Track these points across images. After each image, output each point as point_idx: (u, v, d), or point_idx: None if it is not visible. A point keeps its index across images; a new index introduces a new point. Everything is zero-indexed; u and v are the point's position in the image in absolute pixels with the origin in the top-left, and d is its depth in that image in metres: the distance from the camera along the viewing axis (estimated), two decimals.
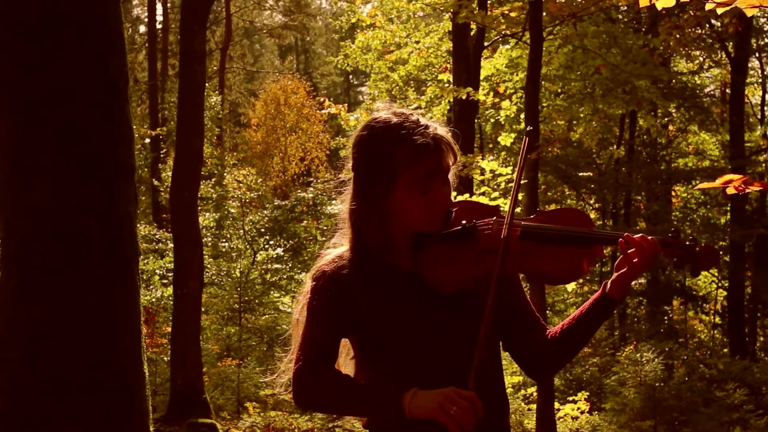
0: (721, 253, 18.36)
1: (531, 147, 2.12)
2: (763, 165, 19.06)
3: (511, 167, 11.87)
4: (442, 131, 2.13)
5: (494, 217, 2.15)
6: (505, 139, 12.55)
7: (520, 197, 12.06)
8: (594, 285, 17.33)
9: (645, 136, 19.57)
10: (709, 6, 2.57)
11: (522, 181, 11.29)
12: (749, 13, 2.55)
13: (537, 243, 2.11)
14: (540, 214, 2.18)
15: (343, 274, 2.12)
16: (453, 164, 2.14)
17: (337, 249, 2.21)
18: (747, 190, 2.76)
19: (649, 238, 2.12)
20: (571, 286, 10.80)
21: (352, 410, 2.08)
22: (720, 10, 2.54)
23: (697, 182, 18.85)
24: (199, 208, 12.18)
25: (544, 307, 8.89)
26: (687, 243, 2.13)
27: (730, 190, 2.78)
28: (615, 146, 18.42)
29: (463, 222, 2.13)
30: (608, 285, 2.16)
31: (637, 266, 2.11)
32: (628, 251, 2.11)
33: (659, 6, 2.67)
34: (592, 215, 20.39)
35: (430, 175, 2.08)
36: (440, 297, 2.09)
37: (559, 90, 13.93)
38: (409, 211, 2.09)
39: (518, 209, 12.61)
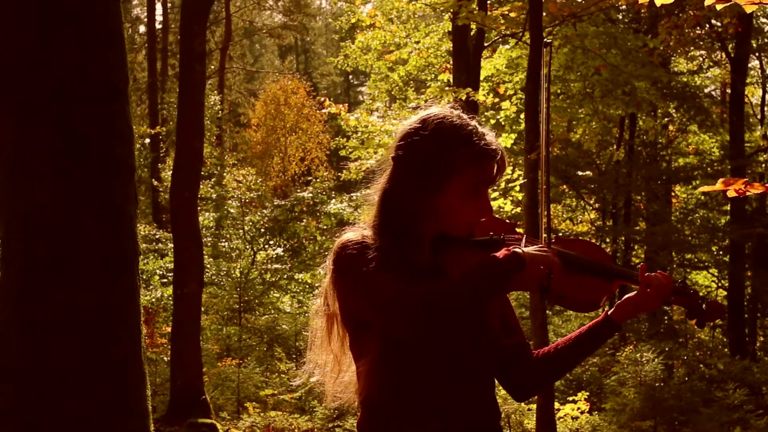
0: (724, 255, 18.37)
1: (549, 60, 2.10)
2: (763, 165, 19.07)
3: (511, 168, 11.86)
4: (498, 143, 2.15)
5: (524, 235, 2.17)
6: (506, 140, 12.54)
7: (519, 197, 12.06)
8: None
9: (645, 136, 19.57)
10: (708, 2, 2.56)
11: (522, 180, 11.30)
12: (748, 9, 2.56)
13: (569, 270, 2.11)
14: (558, 241, 2.18)
15: (370, 250, 2.09)
16: (500, 177, 2.16)
17: (360, 230, 2.18)
18: (748, 193, 2.76)
19: (663, 277, 2.13)
20: None
21: (472, 291, 1.99)
22: (719, 6, 2.54)
23: (698, 182, 18.86)
24: (199, 208, 12.18)
25: (545, 307, 8.88)
26: (692, 292, 2.16)
27: (731, 194, 2.78)
28: (615, 146, 18.41)
29: (491, 233, 2.14)
30: (612, 310, 2.19)
31: (648, 299, 2.12)
32: (647, 290, 2.12)
33: (658, 3, 2.66)
34: (593, 215, 20.39)
35: (485, 182, 2.11)
36: None
37: (559, 91, 13.92)
38: (453, 212, 2.10)
39: (518, 209, 12.61)
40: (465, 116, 2.15)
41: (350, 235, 2.15)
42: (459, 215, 2.11)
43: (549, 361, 2.22)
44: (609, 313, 2.18)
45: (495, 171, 2.12)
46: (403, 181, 2.12)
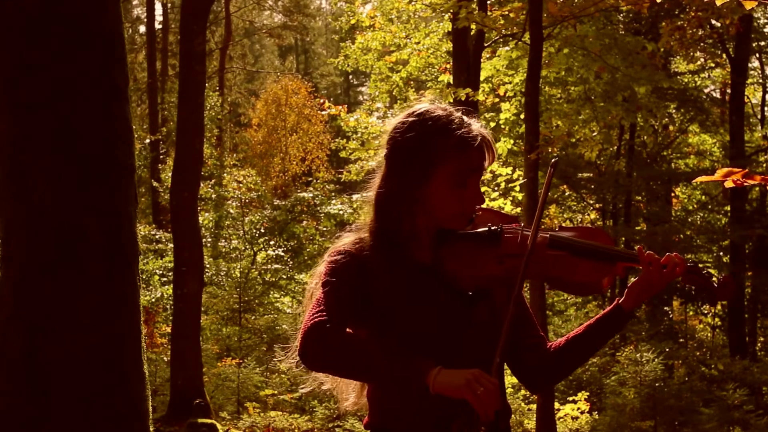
0: (724, 255, 18.37)
1: (551, 176, 2.16)
2: (764, 165, 19.07)
3: (511, 168, 11.86)
4: (485, 131, 2.15)
5: (522, 224, 2.17)
6: (502, 146, 12.51)
7: (519, 197, 12.07)
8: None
9: (645, 137, 19.57)
10: None
11: (522, 180, 11.31)
12: (748, 6, 2.56)
13: (563, 253, 2.14)
14: (563, 229, 2.21)
15: (364, 255, 2.11)
16: (488, 165, 2.16)
17: (357, 233, 2.19)
18: (746, 184, 2.76)
19: (675, 256, 2.13)
20: None
21: (366, 373, 2.00)
22: (719, 2, 2.55)
23: (698, 183, 18.84)
24: (199, 208, 12.19)
25: (544, 307, 8.89)
26: (705, 274, 2.16)
27: (728, 184, 2.79)
28: (615, 148, 18.39)
29: (489, 224, 2.15)
30: (622, 298, 2.18)
31: (656, 282, 2.12)
32: (650, 268, 2.12)
33: None
34: (593, 215, 20.39)
35: (470, 170, 2.10)
36: (457, 291, 2.10)
37: (559, 95, 13.91)
38: (442, 204, 2.10)
39: (518, 209, 12.61)
40: (449, 108, 2.16)
41: (343, 242, 2.16)
42: (448, 206, 2.10)
43: (562, 354, 2.20)
44: (619, 301, 2.17)
45: (479, 158, 2.11)
46: (391, 177, 2.14)
